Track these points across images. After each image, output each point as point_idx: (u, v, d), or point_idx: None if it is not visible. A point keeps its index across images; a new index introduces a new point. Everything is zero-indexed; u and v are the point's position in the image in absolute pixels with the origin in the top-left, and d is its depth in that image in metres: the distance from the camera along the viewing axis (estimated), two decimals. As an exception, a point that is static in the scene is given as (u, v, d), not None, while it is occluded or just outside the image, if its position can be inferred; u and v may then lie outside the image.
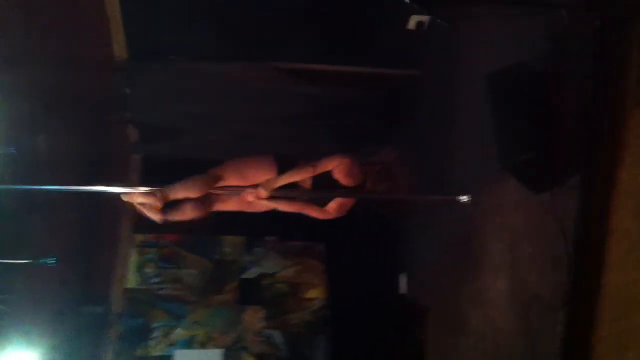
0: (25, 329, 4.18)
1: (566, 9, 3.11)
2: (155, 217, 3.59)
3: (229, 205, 3.90)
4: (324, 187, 3.89)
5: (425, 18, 4.29)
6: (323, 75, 5.29)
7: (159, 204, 3.54)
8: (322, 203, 3.90)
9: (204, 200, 3.78)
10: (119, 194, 3.70)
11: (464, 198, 4.16)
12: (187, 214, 3.70)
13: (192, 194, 3.69)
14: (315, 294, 5.85)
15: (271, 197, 3.74)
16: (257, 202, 3.78)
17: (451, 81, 4.69)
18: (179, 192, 3.65)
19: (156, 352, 5.51)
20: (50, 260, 3.89)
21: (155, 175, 3.90)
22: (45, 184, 3.72)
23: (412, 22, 4.42)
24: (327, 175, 3.90)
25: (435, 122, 5.02)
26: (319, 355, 5.66)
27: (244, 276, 5.82)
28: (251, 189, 3.75)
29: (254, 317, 5.70)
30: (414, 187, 4.88)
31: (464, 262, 4.42)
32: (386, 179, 4.13)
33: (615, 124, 2.90)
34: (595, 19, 2.95)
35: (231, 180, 3.82)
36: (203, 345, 5.58)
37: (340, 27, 4.96)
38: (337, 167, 3.88)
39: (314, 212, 3.90)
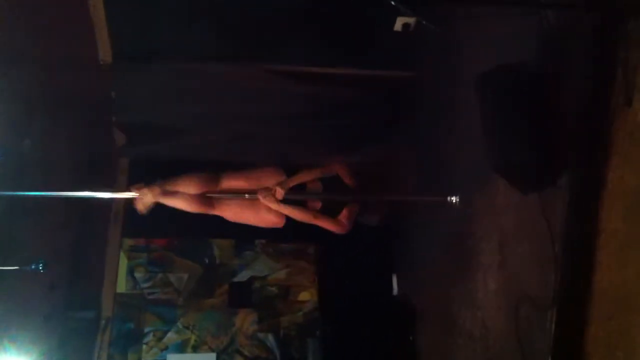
0: (14, 335, 4.15)
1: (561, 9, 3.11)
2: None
3: (233, 211, 3.87)
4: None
5: (411, 20, 4.29)
6: (322, 77, 5.28)
7: (157, 197, 3.67)
8: (331, 213, 3.91)
9: (204, 200, 3.77)
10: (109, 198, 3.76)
11: (453, 199, 4.20)
12: (177, 203, 3.72)
13: (190, 190, 3.70)
14: (307, 296, 5.83)
15: (284, 202, 3.76)
16: (266, 210, 3.78)
17: (450, 82, 4.68)
18: (177, 186, 3.68)
19: (149, 357, 5.50)
20: (38, 266, 3.88)
21: (144, 177, 3.90)
22: (32, 188, 3.74)
23: (398, 23, 4.42)
24: (335, 184, 3.93)
25: (434, 122, 5.02)
26: (312, 357, 5.65)
27: (235, 279, 5.80)
28: (264, 189, 3.74)
29: (245, 320, 5.69)
30: (410, 187, 4.89)
31: (456, 262, 4.42)
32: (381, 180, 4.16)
33: (606, 124, 2.90)
34: (594, 18, 2.95)
35: (238, 184, 3.82)
36: (195, 348, 5.56)
37: (338, 28, 4.94)
38: (341, 170, 3.91)
39: (327, 224, 3.91)
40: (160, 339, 5.54)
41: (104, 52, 4.96)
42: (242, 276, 5.82)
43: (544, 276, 3.20)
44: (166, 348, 5.54)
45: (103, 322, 5.45)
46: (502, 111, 3.18)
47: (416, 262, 5.37)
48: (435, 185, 4.77)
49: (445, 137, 4.78)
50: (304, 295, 5.84)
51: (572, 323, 3.03)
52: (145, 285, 5.68)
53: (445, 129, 4.78)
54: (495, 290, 3.84)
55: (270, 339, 5.66)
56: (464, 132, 4.37)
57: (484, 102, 3.33)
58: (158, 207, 3.85)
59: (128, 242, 5.75)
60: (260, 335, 5.67)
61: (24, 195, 3.74)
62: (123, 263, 5.71)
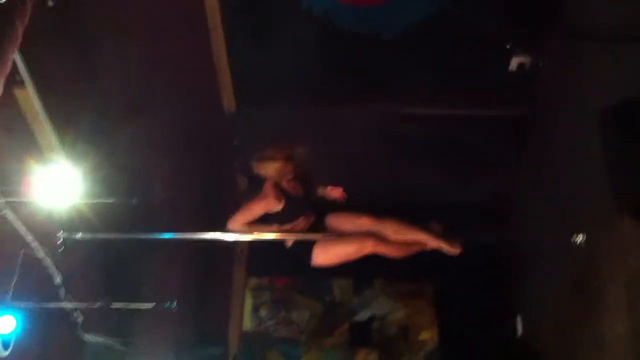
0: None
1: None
2: None
3: None
4: None
5: (527, 59, 4.25)
6: (434, 118, 5.31)
7: None
8: None
9: None
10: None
11: (579, 238, 4.04)
12: None
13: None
14: (427, 336, 5.75)
15: None
16: None
17: (566, 119, 4.57)
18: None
19: (273, 394, 5.62)
20: (172, 304, 4.10)
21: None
22: (162, 230, 3.96)
23: (514, 63, 4.39)
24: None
25: (549, 160, 4.91)
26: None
27: (355, 318, 5.84)
28: None
29: (366, 360, 5.69)
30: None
31: (581, 303, 4.24)
32: None
33: None
34: None
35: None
36: (318, 387, 5.62)
37: (449, 70, 4.96)
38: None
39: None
40: (285, 377, 5.65)
41: (228, 100, 5.24)
42: (362, 315, 5.84)
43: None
44: (290, 385, 5.63)
45: (230, 358, 5.62)
46: (619, 148, 3.06)
47: (540, 302, 5.18)
48: (557, 224, 4.62)
49: (559, 176, 4.65)
50: (424, 335, 5.76)
51: None
52: (270, 323, 5.83)
53: (562, 166, 4.65)
54: (624, 334, 3.64)
55: (391, 379, 5.63)
56: (578, 171, 4.24)
57: (608, 138, 3.22)
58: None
59: (253, 281, 5.96)
60: (382, 375, 5.65)
61: (155, 237, 3.96)
62: (248, 301, 5.91)
